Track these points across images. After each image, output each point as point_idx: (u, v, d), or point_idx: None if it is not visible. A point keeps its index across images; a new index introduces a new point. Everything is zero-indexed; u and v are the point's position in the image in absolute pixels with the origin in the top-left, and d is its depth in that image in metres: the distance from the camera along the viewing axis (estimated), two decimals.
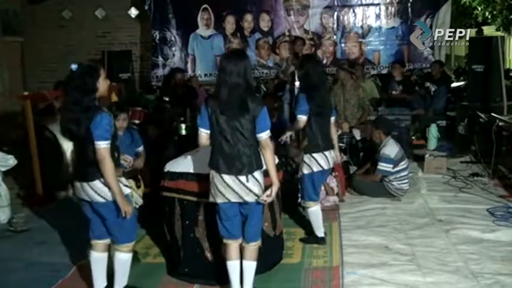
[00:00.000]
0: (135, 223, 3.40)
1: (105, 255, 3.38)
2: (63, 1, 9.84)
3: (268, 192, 3.19)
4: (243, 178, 3.10)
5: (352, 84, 7.06)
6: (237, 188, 3.12)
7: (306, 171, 4.21)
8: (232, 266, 3.29)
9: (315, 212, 4.32)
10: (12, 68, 9.34)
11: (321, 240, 4.33)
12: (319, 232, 4.35)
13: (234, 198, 3.15)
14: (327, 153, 4.18)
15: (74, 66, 3.16)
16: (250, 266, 3.29)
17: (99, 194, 3.11)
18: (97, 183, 3.10)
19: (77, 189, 3.22)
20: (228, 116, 3.07)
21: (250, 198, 3.16)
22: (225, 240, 3.30)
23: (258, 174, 3.15)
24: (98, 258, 3.37)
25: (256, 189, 3.15)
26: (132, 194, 3.33)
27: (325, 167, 4.21)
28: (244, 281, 3.30)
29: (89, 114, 3.03)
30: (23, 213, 5.26)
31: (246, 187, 3.12)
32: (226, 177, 3.11)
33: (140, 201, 3.52)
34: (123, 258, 3.34)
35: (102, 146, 3.02)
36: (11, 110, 8.13)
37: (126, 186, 3.27)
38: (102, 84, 3.16)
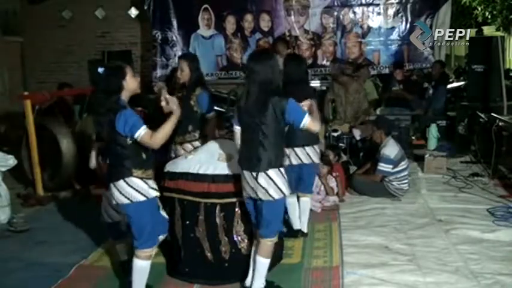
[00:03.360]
0: (160, 225, 3.29)
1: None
2: (63, 1, 9.82)
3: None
4: (254, 174, 3.17)
5: (354, 87, 7.05)
6: (252, 184, 3.20)
7: None
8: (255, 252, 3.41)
9: (302, 202, 4.43)
10: (12, 68, 9.33)
11: (297, 233, 4.42)
12: (295, 225, 4.43)
13: (251, 193, 3.25)
14: (297, 149, 4.22)
15: (100, 70, 3.15)
16: (263, 262, 3.34)
17: (123, 195, 3.07)
18: (121, 183, 3.06)
19: (109, 193, 3.20)
20: (251, 114, 3.15)
21: (263, 196, 3.19)
22: (254, 230, 3.49)
23: (273, 172, 3.17)
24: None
25: (272, 190, 3.17)
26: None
27: (294, 162, 4.25)
28: (254, 274, 3.37)
29: (110, 116, 2.99)
30: (23, 213, 5.26)
31: (258, 183, 3.16)
32: (245, 173, 3.24)
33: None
34: (141, 265, 3.24)
35: (142, 133, 2.97)
36: (11, 110, 8.14)
37: (153, 189, 3.17)
38: (130, 82, 3.13)
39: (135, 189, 3.07)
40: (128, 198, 3.08)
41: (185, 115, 4.24)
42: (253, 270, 3.40)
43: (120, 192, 3.08)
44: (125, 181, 3.06)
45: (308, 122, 3.12)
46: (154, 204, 3.21)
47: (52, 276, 3.84)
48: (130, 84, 3.14)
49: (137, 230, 3.18)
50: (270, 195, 3.18)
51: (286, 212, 4.41)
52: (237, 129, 3.30)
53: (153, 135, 3.01)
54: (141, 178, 3.10)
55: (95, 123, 3.10)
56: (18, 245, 4.60)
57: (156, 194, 3.19)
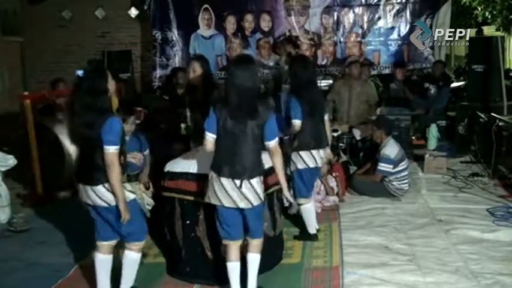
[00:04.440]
0: (144, 222, 3.36)
1: (110, 257, 3.36)
2: (63, 1, 9.81)
3: (286, 195, 3.38)
4: (237, 182, 3.11)
5: (359, 82, 6.97)
6: (232, 193, 3.13)
7: (292, 168, 4.27)
8: (232, 268, 3.30)
9: (306, 208, 4.36)
10: (12, 68, 9.32)
11: (313, 237, 4.39)
12: (311, 229, 4.41)
13: (227, 203, 3.16)
14: (314, 152, 4.22)
15: (79, 72, 3.15)
16: (255, 258, 3.32)
17: (101, 199, 3.10)
18: (100, 188, 3.08)
19: (80, 192, 3.20)
20: (237, 120, 3.09)
21: (244, 205, 3.17)
22: (224, 241, 3.31)
23: (255, 181, 3.16)
24: (102, 260, 3.34)
25: (251, 196, 3.15)
26: (142, 196, 3.34)
27: (311, 165, 4.24)
28: (248, 273, 3.32)
29: (103, 116, 3.01)
30: (23, 213, 5.26)
31: (241, 192, 3.12)
32: (224, 180, 3.13)
33: (151, 202, 3.53)
34: (132, 257, 3.33)
35: (112, 150, 3.00)
36: (11, 110, 8.13)
37: (131, 191, 3.23)
38: (111, 84, 3.16)
39: (113, 194, 3.08)
40: (106, 202, 3.10)
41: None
42: (245, 272, 3.34)
43: (98, 196, 3.10)
44: (104, 186, 3.08)
45: (274, 145, 3.19)
46: (134, 204, 3.23)
47: (52, 276, 3.85)
48: (111, 86, 3.17)
49: (124, 227, 3.20)
50: (250, 202, 3.16)
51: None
52: (211, 137, 3.16)
53: (115, 164, 3.00)
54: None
55: (82, 125, 3.07)
56: (18, 245, 4.60)
57: (133, 196, 3.23)
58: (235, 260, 3.30)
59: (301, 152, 4.21)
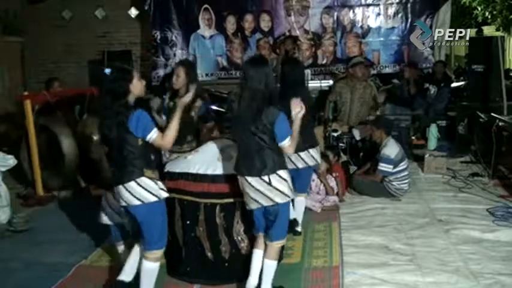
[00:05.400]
0: (165, 232, 3.31)
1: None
2: (63, 1, 9.82)
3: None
4: (265, 178, 3.14)
5: (362, 84, 6.91)
6: (265, 190, 3.16)
7: None
8: (255, 254, 3.39)
9: (298, 201, 4.41)
10: (12, 68, 9.33)
11: (295, 231, 4.45)
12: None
13: (265, 202, 3.21)
14: (302, 153, 4.21)
15: (107, 70, 3.14)
16: (272, 265, 3.34)
17: (134, 196, 3.06)
18: (132, 184, 3.05)
19: (116, 196, 3.19)
20: (247, 120, 3.13)
21: (280, 199, 3.20)
22: (256, 233, 3.43)
23: (283, 173, 3.20)
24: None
25: (286, 189, 3.19)
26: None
27: (300, 166, 4.27)
28: (263, 278, 3.35)
29: (119, 118, 3.00)
30: (23, 213, 5.26)
31: (273, 187, 3.16)
32: (250, 179, 3.18)
33: None
34: (150, 267, 3.25)
35: (155, 136, 3.05)
36: (11, 110, 8.13)
37: (163, 189, 3.18)
38: (137, 86, 3.14)
39: (147, 190, 3.07)
40: (139, 199, 3.06)
41: (185, 125, 4.19)
42: (260, 274, 3.37)
43: (131, 194, 3.06)
44: (136, 182, 3.06)
45: (288, 143, 3.15)
46: (164, 205, 3.22)
47: (52, 277, 3.85)
48: (137, 88, 3.15)
49: (148, 232, 3.18)
50: (286, 195, 3.20)
51: None
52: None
53: (164, 136, 3.08)
54: (151, 178, 3.11)
55: (101, 126, 3.08)
56: (18, 245, 4.60)
57: (166, 195, 3.20)
58: (259, 248, 3.38)
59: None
